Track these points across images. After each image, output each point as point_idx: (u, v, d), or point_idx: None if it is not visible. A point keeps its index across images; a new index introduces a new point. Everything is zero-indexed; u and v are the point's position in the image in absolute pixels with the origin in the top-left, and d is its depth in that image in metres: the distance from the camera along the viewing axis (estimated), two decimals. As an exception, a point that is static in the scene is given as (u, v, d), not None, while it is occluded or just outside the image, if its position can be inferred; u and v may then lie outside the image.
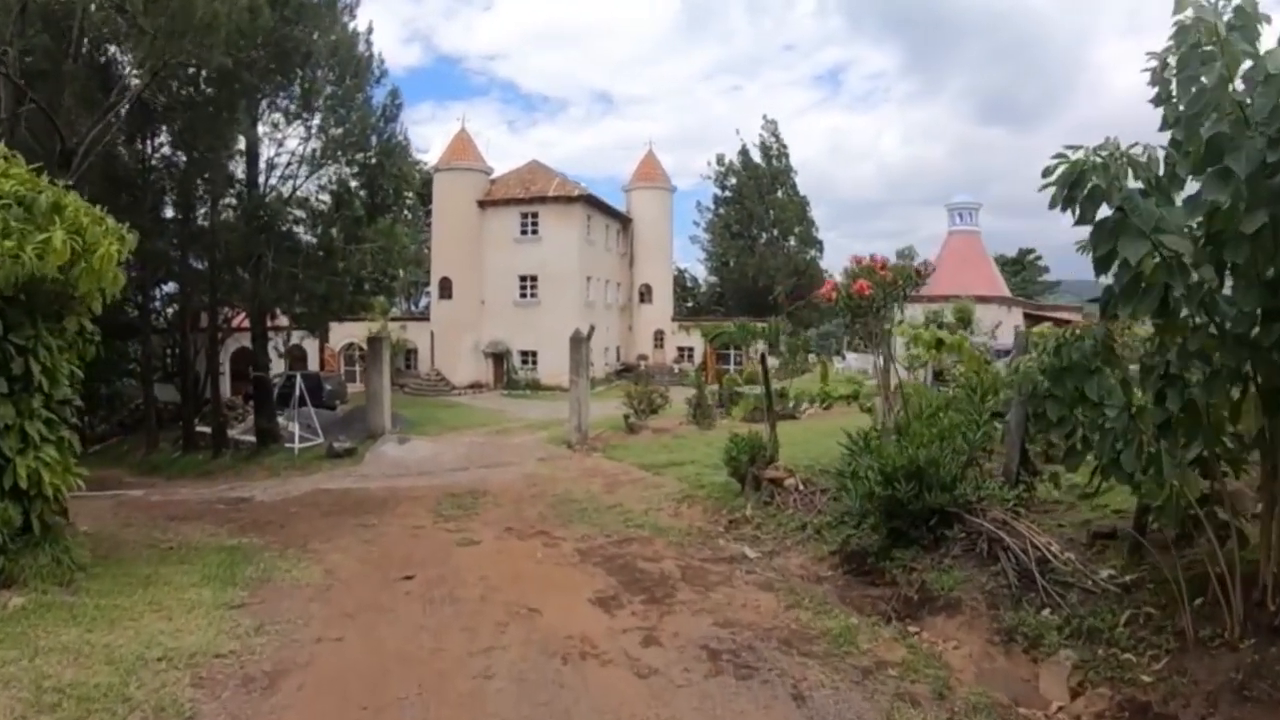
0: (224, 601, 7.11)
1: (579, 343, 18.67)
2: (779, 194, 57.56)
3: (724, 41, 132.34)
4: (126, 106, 14.25)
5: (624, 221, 48.67)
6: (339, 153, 21.61)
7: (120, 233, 8.10)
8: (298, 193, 21.96)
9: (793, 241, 58.45)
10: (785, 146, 58.58)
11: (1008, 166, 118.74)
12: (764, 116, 60.96)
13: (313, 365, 44.26)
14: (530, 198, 42.23)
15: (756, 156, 57.91)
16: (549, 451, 17.46)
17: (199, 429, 25.86)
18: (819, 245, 60.08)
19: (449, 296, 42.73)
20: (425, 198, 47.30)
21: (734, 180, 58.56)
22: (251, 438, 23.75)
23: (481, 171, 43.61)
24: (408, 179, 23.20)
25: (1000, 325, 30.35)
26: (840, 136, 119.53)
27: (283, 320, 25.87)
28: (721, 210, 60.00)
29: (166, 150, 22.08)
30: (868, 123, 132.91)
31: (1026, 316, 33.08)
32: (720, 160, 59.31)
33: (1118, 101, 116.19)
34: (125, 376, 35.42)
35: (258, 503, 14.52)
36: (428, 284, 48.42)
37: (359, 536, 10.29)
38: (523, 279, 42.37)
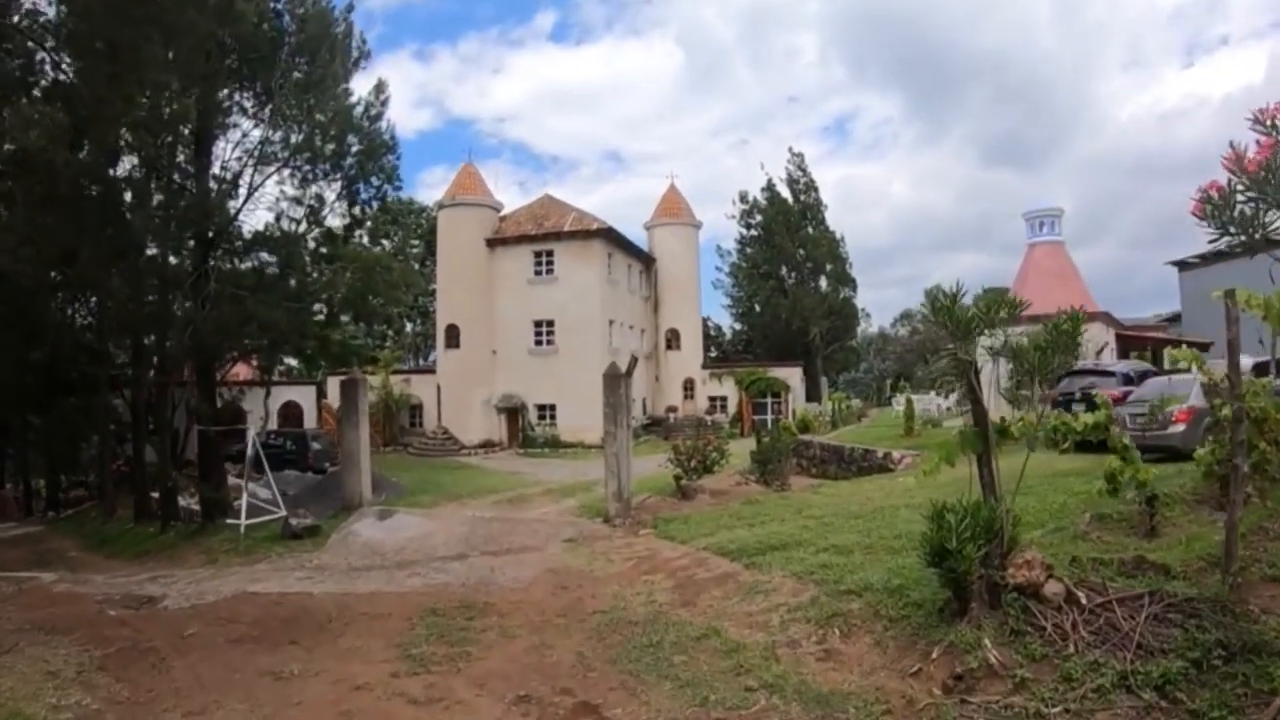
0: None
1: (616, 380, 14.04)
2: (809, 230, 53.28)
3: (730, 96, 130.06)
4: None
5: (647, 262, 44.32)
6: (311, 155, 17.29)
7: None
8: (258, 195, 17.56)
9: (824, 282, 54.16)
10: (814, 180, 54.55)
11: (1016, 208, 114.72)
12: (790, 150, 56.98)
13: (310, 424, 40.01)
14: (544, 234, 37.91)
15: (784, 192, 53.80)
16: (580, 529, 12.68)
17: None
18: (853, 283, 55.82)
19: (456, 346, 38.32)
20: (431, 246, 43.40)
21: (759, 218, 54.38)
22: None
23: (490, 208, 39.46)
24: (390, 177, 18.72)
25: (1106, 346, 25.57)
26: (850, 186, 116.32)
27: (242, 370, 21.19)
28: (749, 250, 55.77)
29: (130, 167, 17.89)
30: (876, 171, 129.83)
31: (1119, 338, 28.21)
32: (744, 198, 55.27)
33: (1121, 134, 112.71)
34: (99, 435, 31.30)
35: (160, 610, 10.05)
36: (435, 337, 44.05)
37: (254, 709, 5.67)
38: (538, 325, 37.94)
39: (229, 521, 16.23)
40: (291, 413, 40.22)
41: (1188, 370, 13.45)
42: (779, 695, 5.12)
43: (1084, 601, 5.22)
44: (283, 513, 16.41)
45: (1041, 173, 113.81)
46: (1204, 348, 23.25)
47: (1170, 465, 10.22)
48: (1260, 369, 15.21)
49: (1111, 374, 17.24)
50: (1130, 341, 28.52)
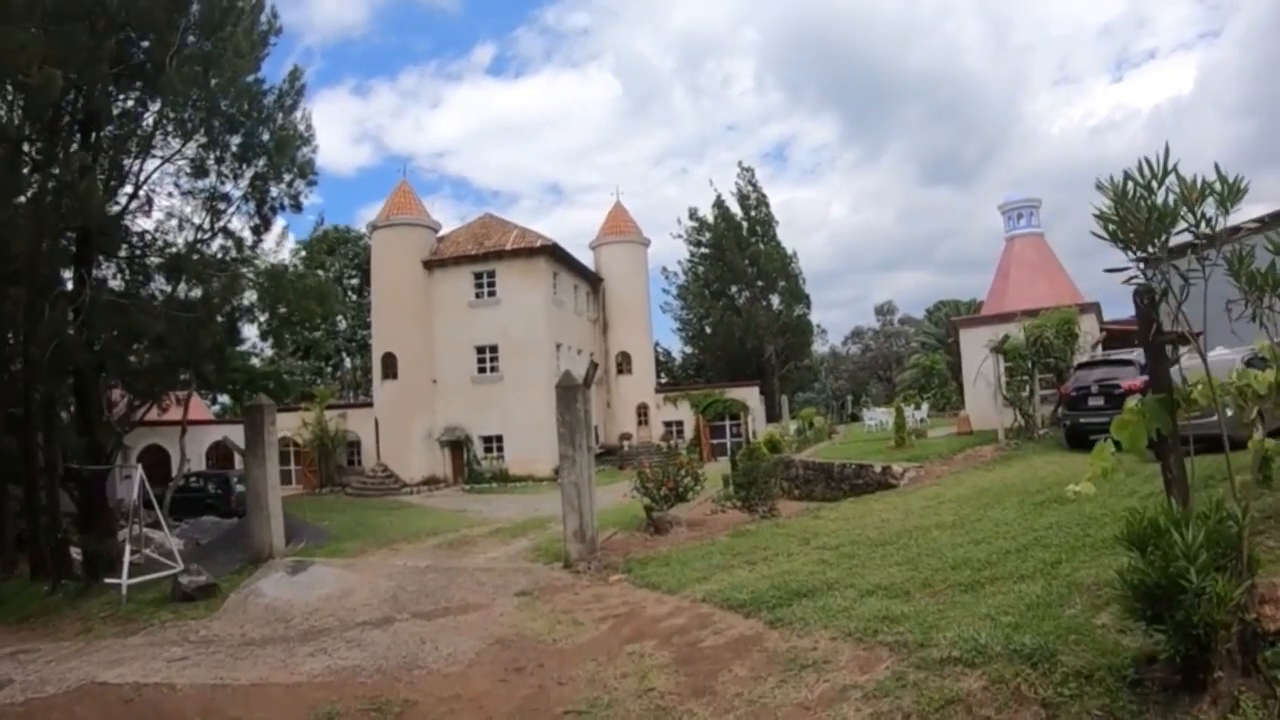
0: None
1: (572, 392, 11.71)
2: (760, 245, 51.62)
3: (668, 126, 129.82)
4: None
5: (594, 282, 42.06)
6: (212, 144, 14.80)
7: None
8: (152, 195, 14.88)
9: (776, 299, 52.49)
10: (764, 196, 53.02)
11: (955, 224, 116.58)
12: (740, 164, 55.15)
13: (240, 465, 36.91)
14: (485, 253, 35.45)
15: (734, 208, 52.16)
16: (535, 577, 10.24)
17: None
18: (806, 300, 54.20)
19: (394, 376, 35.55)
20: (369, 274, 40.77)
21: (709, 236, 52.66)
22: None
23: (427, 227, 36.94)
24: (304, 171, 16.17)
25: (1103, 338, 23.84)
26: (791, 210, 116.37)
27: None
28: (700, 269, 53.91)
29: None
30: (816, 194, 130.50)
31: (1103, 331, 26.48)
32: (693, 215, 53.55)
33: (1052, 149, 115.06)
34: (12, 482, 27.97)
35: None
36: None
37: None
38: (480, 350, 35.41)
39: (108, 581, 13.48)
40: (222, 453, 37.26)
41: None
42: None
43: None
44: (178, 568, 13.72)
45: (978, 188, 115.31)
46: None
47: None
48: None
49: (1129, 363, 15.50)
50: (1114, 335, 26.86)
